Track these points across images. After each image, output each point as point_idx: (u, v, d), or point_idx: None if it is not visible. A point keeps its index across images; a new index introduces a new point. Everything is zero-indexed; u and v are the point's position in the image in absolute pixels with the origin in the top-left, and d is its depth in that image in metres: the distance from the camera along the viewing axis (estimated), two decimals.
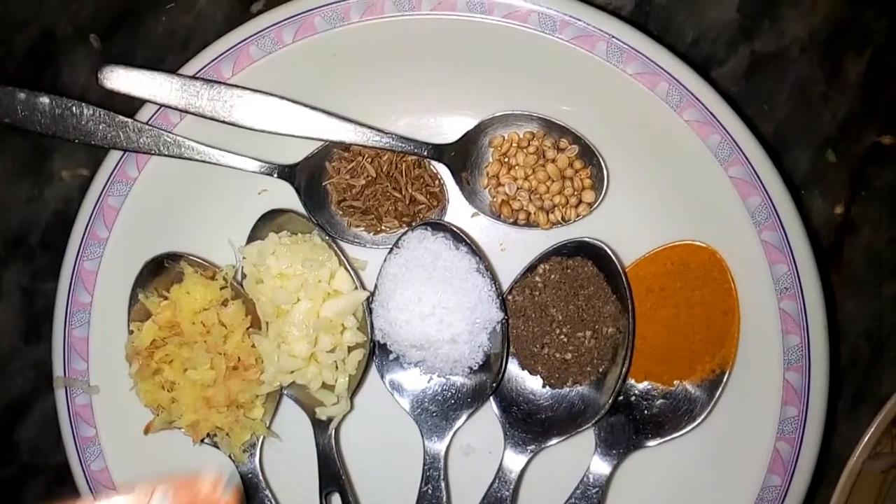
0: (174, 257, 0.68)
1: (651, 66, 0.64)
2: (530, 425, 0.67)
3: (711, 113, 0.63)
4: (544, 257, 0.67)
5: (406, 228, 0.68)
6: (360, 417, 0.70)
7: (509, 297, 0.67)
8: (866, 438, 0.61)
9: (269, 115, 0.66)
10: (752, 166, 0.63)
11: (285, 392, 0.68)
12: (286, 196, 0.69)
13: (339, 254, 0.66)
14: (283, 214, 0.68)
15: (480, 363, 0.65)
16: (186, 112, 0.66)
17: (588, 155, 0.67)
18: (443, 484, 0.66)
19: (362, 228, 0.70)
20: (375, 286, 0.66)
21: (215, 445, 0.68)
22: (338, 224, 0.70)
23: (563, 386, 0.66)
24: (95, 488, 0.68)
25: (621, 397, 0.66)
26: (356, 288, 0.66)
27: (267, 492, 0.68)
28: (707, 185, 0.65)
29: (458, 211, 0.70)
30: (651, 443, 0.66)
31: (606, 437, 0.66)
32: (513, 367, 0.67)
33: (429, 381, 0.68)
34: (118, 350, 0.67)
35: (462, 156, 0.69)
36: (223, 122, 0.66)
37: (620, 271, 0.65)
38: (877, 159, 0.72)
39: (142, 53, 0.75)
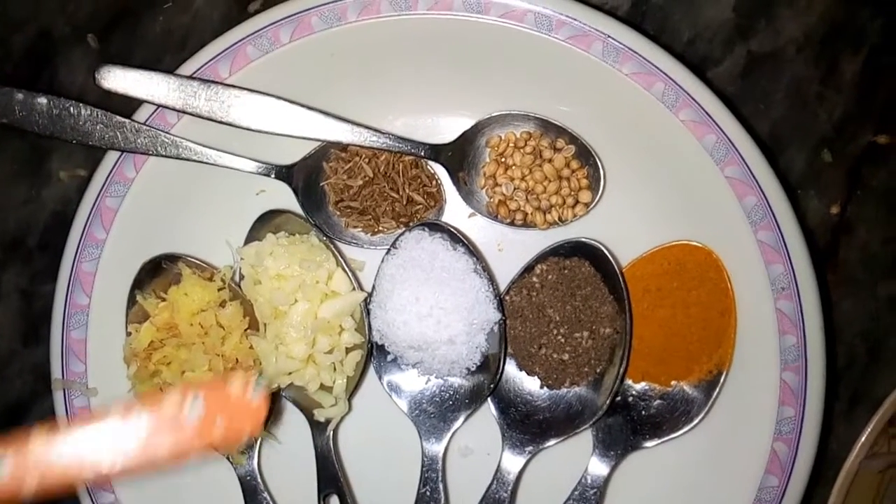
0: (172, 258, 0.68)
1: (647, 65, 0.64)
2: (528, 426, 0.67)
3: (707, 113, 0.64)
4: (541, 258, 0.67)
5: (403, 229, 0.68)
6: (359, 419, 0.69)
7: (507, 298, 0.67)
8: (863, 439, 0.61)
9: (266, 115, 0.66)
10: (747, 166, 0.63)
11: (283, 393, 0.68)
12: (284, 197, 0.69)
13: (337, 254, 0.66)
14: (280, 215, 0.68)
15: (478, 364, 0.65)
16: (184, 112, 0.66)
17: (585, 155, 0.68)
18: (441, 485, 0.66)
19: (360, 229, 0.70)
20: (373, 287, 0.66)
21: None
22: (335, 225, 0.70)
23: (560, 387, 0.66)
24: (94, 490, 0.68)
25: (619, 398, 0.66)
26: (354, 289, 0.66)
27: (265, 493, 0.67)
28: (703, 185, 0.65)
29: (456, 211, 0.70)
30: (649, 443, 0.66)
31: (604, 437, 0.66)
32: (510, 368, 0.67)
33: (427, 383, 0.68)
34: (116, 352, 0.67)
35: (459, 156, 0.69)
36: (220, 122, 0.66)
37: (617, 271, 0.65)
38: (872, 159, 0.72)
39: (139, 53, 0.75)
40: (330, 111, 0.66)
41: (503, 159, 0.69)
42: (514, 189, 0.68)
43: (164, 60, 0.74)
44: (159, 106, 0.66)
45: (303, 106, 0.66)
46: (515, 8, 0.65)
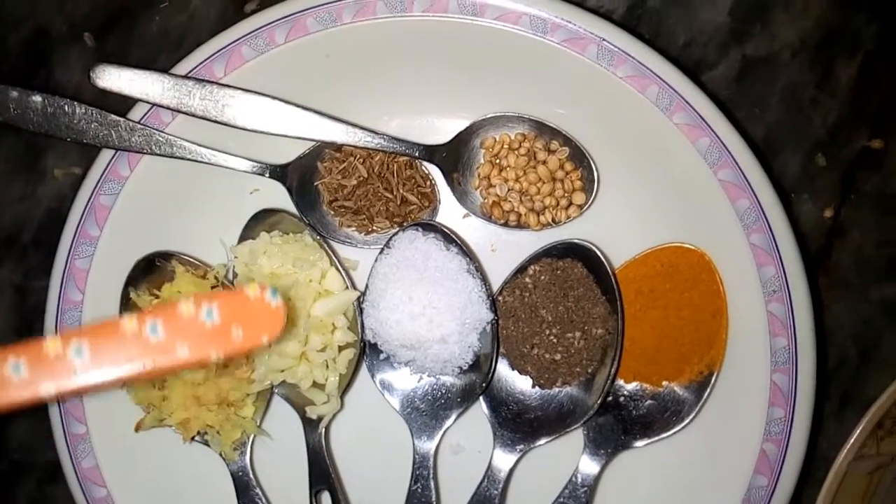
0: (165, 256, 0.68)
1: (641, 69, 0.64)
2: (519, 425, 0.67)
3: (701, 116, 0.64)
4: (534, 258, 0.67)
5: (397, 229, 0.68)
6: (351, 416, 0.70)
7: (499, 298, 0.67)
8: (852, 440, 0.61)
9: (260, 114, 0.66)
10: (740, 169, 0.63)
11: (276, 391, 0.69)
12: (278, 196, 0.69)
13: (331, 254, 0.67)
14: (274, 214, 0.68)
15: (470, 363, 0.66)
16: (178, 111, 0.66)
17: (579, 157, 0.68)
18: (432, 483, 0.66)
19: (353, 228, 0.70)
20: (366, 286, 0.67)
21: (206, 443, 0.68)
22: (329, 224, 0.70)
23: (552, 386, 0.67)
24: (86, 486, 0.68)
25: (610, 398, 0.67)
26: (347, 288, 0.67)
27: (257, 490, 0.68)
28: (696, 188, 0.65)
29: (450, 212, 0.70)
30: (639, 443, 0.66)
31: (595, 437, 0.67)
32: (502, 368, 0.68)
33: (419, 381, 0.68)
34: None
35: (453, 157, 0.69)
36: (215, 121, 0.66)
37: (610, 273, 0.65)
38: (867, 163, 0.72)
39: (136, 52, 0.75)
40: (325, 111, 0.66)
41: (497, 160, 0.69)
42: (508, 190, 0.69)
43: (161, 60, 0.74)
44: (154, 105, 0.66)
45: (297, 106, 0.66)
46: (511, 10, 0.65)
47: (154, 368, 0.40)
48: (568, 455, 0.67)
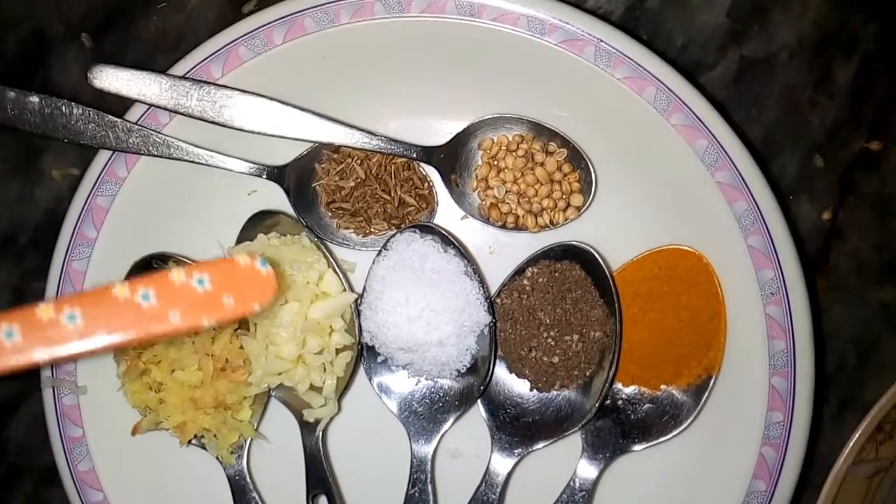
0: (162, 258, 0.68)
1: (639, 70, 0.64)
2: (517, 429, 0.67)
3: (699, 118, 0.64)
4: (532, 261, 0.67)
5: (395, 231, 0.68)
6: (348, 420, 0.70)
7: (497, 301, 0.67)
8: (851, 444, 0.61)
9: (258, 115, 0.66)
10: (738, 171, 0.63)
11: (273, 394, 0.68)
12: (275, 197, 0.69)
13: (328, 256, 0.67)
14: (272, 216, 0.68)
15: (468, 366, 0.65)
16: (176, 112, 0.66)
17: (576, 159, 0.68)
18: (430, 487, 0.66)
19: (351, 230, 0.70)
20: (364, 288, 0.66)
21: (203, 447, 0.68)
22: (327, 226, 0.70)
23: (550, 390, 0.66)
24: (82, 489, 0.68)
25: (608, 401, 0.67)
26: (344, 290, 0.66)
27: (254, 494, 0.68)
28: (694, 189, 0.65)
29: (447, 214, 0.70)
30: (637, 447, 0.66)
31: (593, 441, 0.67)
32: (500, 371, 0.67)
33: (416, 384, 0.68)
34: None
35: (451, 158, 0.69)
36: (212, 122, 0.66)
37: (608, 275, 0.65)
38: (865, 165, 0.72)
39: (133, 53, 0.75)
40: (323, 112, 0.66)
41: (495, 162, 0.69)
42: (506, 192, 0.69)
43: (158, 60, 0.74)
44: (151, 105, 0.66)
45: (295, 107, 0.66)
46: (508, 11, 0.65)
47: (146, 334, 0.39)
48: (566, 459, 0.67)
